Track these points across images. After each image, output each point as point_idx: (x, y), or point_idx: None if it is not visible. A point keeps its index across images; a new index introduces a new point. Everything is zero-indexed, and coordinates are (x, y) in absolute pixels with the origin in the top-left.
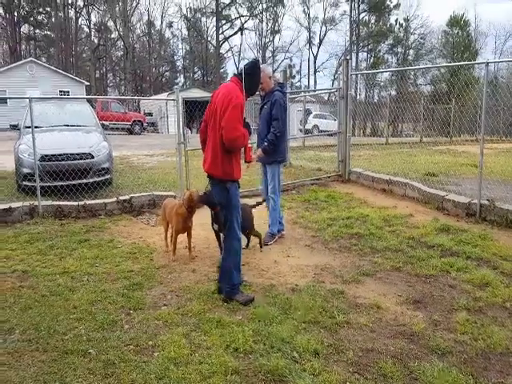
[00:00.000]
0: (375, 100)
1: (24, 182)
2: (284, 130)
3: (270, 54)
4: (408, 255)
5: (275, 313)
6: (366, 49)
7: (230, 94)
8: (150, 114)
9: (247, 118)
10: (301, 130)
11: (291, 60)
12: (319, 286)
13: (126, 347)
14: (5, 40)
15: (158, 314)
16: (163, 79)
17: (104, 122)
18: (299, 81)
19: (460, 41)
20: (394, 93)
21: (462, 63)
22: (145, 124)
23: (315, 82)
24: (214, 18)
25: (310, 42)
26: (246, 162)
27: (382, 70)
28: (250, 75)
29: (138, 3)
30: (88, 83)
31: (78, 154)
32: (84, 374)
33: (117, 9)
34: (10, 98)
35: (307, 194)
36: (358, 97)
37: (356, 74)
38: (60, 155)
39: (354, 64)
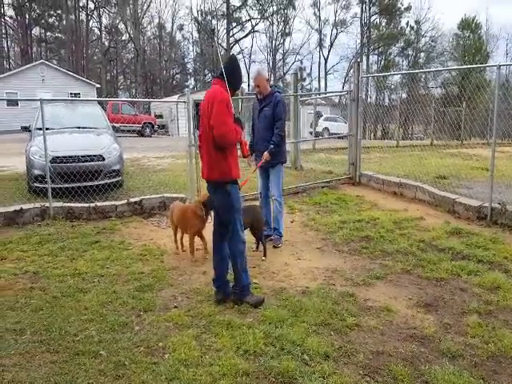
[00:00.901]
0: (386, 103)
1: (35, 184)
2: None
3: (281, 57)
4: (419, 258)
5: (286, 315)
6: (376, 51)
7: (213, 93)
8: (161, 117)
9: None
10: (311, 133)
11: (302, 62)
12: (330, 288)
13: (136, 349)
14: (16, 42)
15: (169, 316)
16: (174, 82)
17: (115, 124)
18: (310, 83)
19: (471, 43)
20: (404, 95)
21: (473, 66)
22: (155, 126)
23: (326, 84)
24: (225, 21)
25: (320, 44)
26: (243, 156)
27: (392, 73)
28: (231, 71)
29: (149, 6)
30: (99, 85)
31: (88, 156)
32: (95, 375)
33: (128, 11)
34: (20, 100)
35: (318, 196)
36: (369, 99)
37: (367, 77)
38: (71, 157)
39: (364, 67)
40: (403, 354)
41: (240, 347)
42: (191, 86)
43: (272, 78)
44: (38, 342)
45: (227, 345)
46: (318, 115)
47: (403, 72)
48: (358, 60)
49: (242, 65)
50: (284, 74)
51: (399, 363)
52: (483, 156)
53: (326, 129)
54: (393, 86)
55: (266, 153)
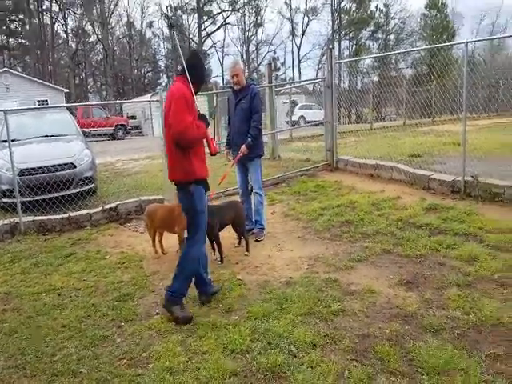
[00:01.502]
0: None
1: (3, 200)
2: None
3: (254, 48)
4: (397, 237)
5: (271, 308)
6: (348, 37)
7: (172, 91)
8: (134, 117)
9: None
10: (287, 122)
11: (275, 52)
12: (313, 276)
13: (119, 362)
14: None
15: (151, 324)
16: (146, 80)
17: (85, 129)
18: (284, 73)
19: (438, 23)
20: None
21: (442, 45)
22: (128, 128)
23: (300, 73)
24: (196, 15)
25: (293, 33)
26: (211, 154)
27: (364, 57)
28: (192, 66)
29: (117, 4)
30: (67, 90)
31: (59, 165)
32: None
33: (94, 11)
34: None
35: (297, 185)
36: (342, 85)
37: (340, 63)
38: (40, 168)
39: (336, 53)
40: (388, 334)
41: (227, 347)
42: (164, 84)
43: (246, 70)
44: (13, 368)
45: (213, 346)
46: (294, 104)
47: (374, 56)
48: (331, 47)
49: (215, 59)
50: (258, 65)
51: (385, 344)
52: (454, 131)
53: (302, 117)
54: (365, 70)
55: (243, 146)
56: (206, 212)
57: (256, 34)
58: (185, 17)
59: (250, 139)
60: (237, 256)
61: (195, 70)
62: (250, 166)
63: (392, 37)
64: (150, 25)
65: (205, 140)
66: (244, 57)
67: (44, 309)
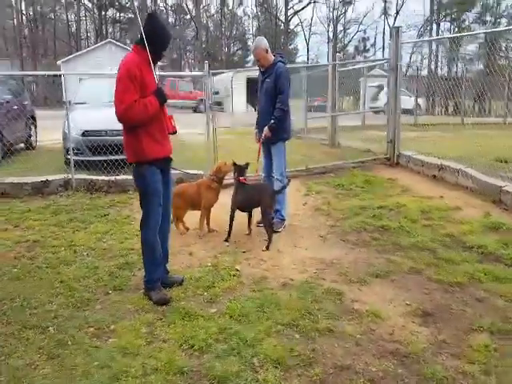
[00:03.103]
0: (459, 74)
1: (67, 156)
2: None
3: (342, 28)
4: (436, 256)
5: (252, 309)
6: (448, 18)
7: (118, 67)
8: (217, 93)
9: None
10: (372, 108)
11: (365, 32)
12: (317, 283)
13: (86, 329)
14: (92, 23)
15: (133, 298)
16: (235, 58)
17: (170, 100)
18: (374, 54)
19: None
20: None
21: None
22: (209, 102)
23: None
24: None
25: (385, 12)
26: (169, 133)
27: (438, 37)
28: (150, 32)
29: None
30: (161, 63)
31: (117, 131)
32: (31, 352)
33: None
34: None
35: (344, 177)
36: (440, 71)
37: (407, 43)
38: (100, 131)
39: (434, 35)
40: (373, 373)
41: (187, 341)
42: (252, 63)
43: (331, 50)
44: None
45: (175, 336)
46: (380, 88)
47: (446, 36)
48: (397, 26)
49: (301, 38)
50: (345, 45)
51: None
52: None
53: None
54: (468, 57)
55: (265, 128)
56: (160, 194)
57: (345, 12)
58: None
59: (273, 121)
60: (249, 244)
61: (154, 37)
62: (272, 149)
63: (504, 20)
64: (240, 3)
65: None
66: (331, 36)
67: (54, 262)
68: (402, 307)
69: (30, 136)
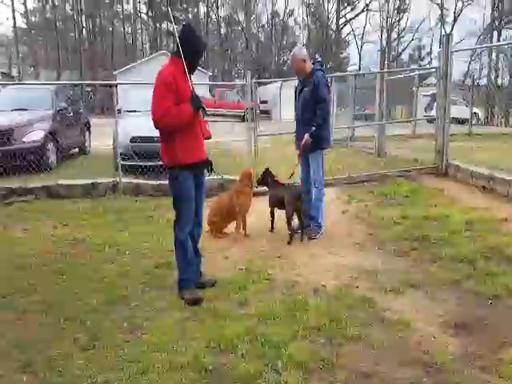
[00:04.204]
0: None
1: (116, 161)
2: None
3: (396, 36)
4: (476, 268)
5: (280, 312)
6: (511, 25)
7: (155, 78)
8: (265, 102)
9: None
10: (425, 117)
11: (420, 40)
12: (349, 290)
13: (121, 324)
14: (147, 34)
15: (168, 296)
16: (284, 68)
17: (218, 108)
18: (429, 62)
19: None
20: None
21: None
22: (257, 111)
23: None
24: (336, 1)
25: (442, 20)
26: (204, 138)
27: (488, 45)
28: (185, 41)
29: None
30: (211, 73)
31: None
32: (68, 344)
33: (243, 0)
34: (119, 84)
35: (388, 186)
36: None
37: (457, 51)
38: (146, 137)
39: (495, 42)
40: (397, 381)
41: (214, 339)
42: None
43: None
44: (39, 303)
45: (204, 335)
46: (434, 98)
47: (498, 44)
48: (447, 33)
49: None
50: (399, 53)
51: None
52: None
53: None
54: None
55: (306, 135)
56: (192, 198)
57: (399, 20)
58: (325, 3)
59: (314, 128)
60: (283, 249)
61: (188, 46)
62: (310, 157)
63: None
64: (291, 13)
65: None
66: (384, 44)
67: (98, 260)
68: (435, 318)
69: (84, 141)
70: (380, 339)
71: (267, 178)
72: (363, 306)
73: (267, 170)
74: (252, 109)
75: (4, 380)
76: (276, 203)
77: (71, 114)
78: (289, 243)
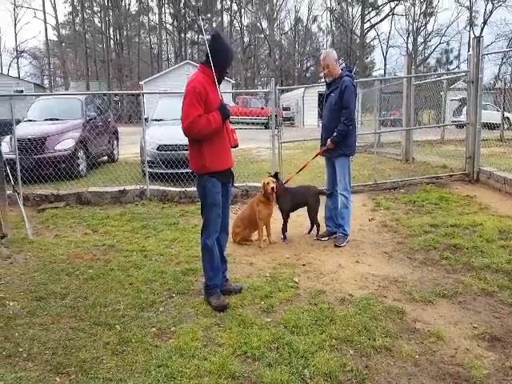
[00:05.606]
0: None
1: (143, 168)
2: (355, 119)
3: (423, 40)
4: (511, 278)
5: (307, 322)
6: None
7: (185, 87)
8: (287, 109)
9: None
10: (454, 122)
11: (448, 44)
12: (377, 300)
13: (149, 329)
14: (172, 44)
15: (195, 302)
16: (308, 74)
17: (241, 116)
18: (457, 66)
19: None
20: None
21: None
22: (280, 118)
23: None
24: (360, 7)
25: (471, 22)
26: (231, 147)
27: None
28: (214, 50)
29: (286, 1)
30: (234, 81)
31: (186, 145)
32: (98, 347)
33: (267, 8)
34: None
35: (416, 193)
36: None
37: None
38: (173, 145)
39: None
40: None
41: (241, 347)
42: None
43: (412, 65)
44: (70, 308)
45: (230, 342)
46: (463, 102)
47: None
48: (479, 36)
49: (378, 51)
50: (426, 58)
51: None
52: None
53: None
54: None
55: (328, 140)
56: (220, 205)
57: (426, 24)
58: (349, 9)
59: (335, 134)
60: (309, 257)
61: (217, 55)
62: (336, 164)
63: None
64: (314, 19)
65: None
66: (410, 49)
67: (126, 266)
68: (469, 330)
69: (112, 150)
70: (411, 351)
71: (281, 185)
72: (392, 317)
73: (276, 176)
74: (276, 116)
75: (38, 381)
76: (294, 207)
77: (100, 123)
78: (317, 238)
